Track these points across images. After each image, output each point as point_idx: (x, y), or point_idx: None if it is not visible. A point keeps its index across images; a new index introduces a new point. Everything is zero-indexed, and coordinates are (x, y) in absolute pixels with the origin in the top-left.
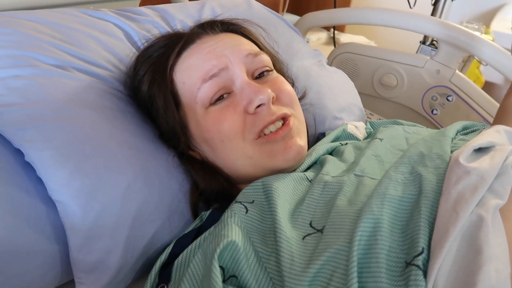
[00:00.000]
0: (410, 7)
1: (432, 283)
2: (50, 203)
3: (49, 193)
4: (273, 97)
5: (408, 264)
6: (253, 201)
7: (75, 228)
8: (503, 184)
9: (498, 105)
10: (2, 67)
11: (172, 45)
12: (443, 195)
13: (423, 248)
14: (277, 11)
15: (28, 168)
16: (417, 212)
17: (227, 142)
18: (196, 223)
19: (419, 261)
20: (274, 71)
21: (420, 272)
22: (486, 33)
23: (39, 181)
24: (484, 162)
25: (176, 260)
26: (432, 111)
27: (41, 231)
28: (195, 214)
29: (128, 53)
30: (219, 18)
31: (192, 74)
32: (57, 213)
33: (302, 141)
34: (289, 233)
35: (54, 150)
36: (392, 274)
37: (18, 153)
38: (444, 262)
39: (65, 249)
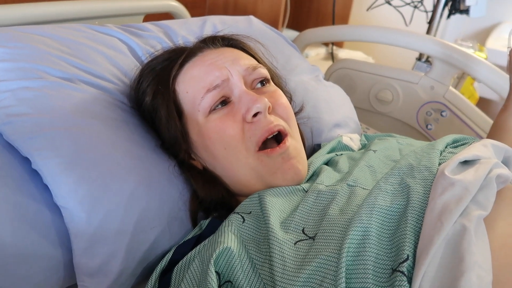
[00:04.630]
0: (406, 25)
1: None
2: (55, 209)
3: (54, 199)
4: (269, 107)
5: (394, 270)
6: (250, 212)
7: (79, 233)
8: (487, 196)
9: (490, 120)
10: (13, 79)
11: (175, 58)
12: (429, 205)
13: (408, 255)
14: (277, 27)
15: (35, 175)
16: (403, 221)
17: (229, 149)
18: (196, 231)
19: (404, 267)
20: (272, 83)
21: (405, 278)
22: (480, 50)
23: (45, 188)
24: (468, 174)
25: (176, 266)
26: (426, 126)
27: (46, 236)
28: (194, 222)
29: (132, 67)
30: (220, 33)
31: (195, 84)
32: (61, 219)
33: (301, 164)
34: (282, 237)
35: (61, 158)
36: (379, 280)
37: (25, 161)
38: (429, 269)
39: (68, 254)
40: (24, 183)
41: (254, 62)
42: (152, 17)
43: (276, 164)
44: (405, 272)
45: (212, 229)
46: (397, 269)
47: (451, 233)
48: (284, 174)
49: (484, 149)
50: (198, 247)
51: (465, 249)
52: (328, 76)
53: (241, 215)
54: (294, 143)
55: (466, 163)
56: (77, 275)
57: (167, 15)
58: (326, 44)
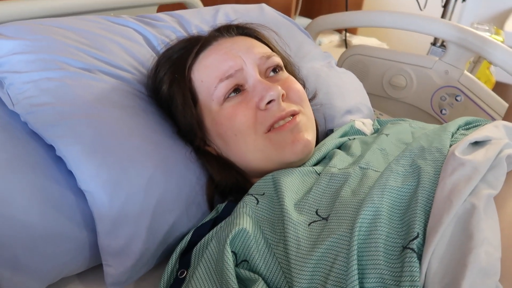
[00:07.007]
0: (421, 9)
1: (427, 265)
2: (79, 193)
3: (78, 184)
4: (283, 95)
5: (404, 248)
6: (263, 193)
7: (102, 215)
8: (497, 175)
9: (506, 104)
10: (35, 70)
11: (191, 47)
12: (439, 185)
13: (418, 233)
14: (289, 15)
15: (59, 162)
16: (414, 201)
17: (239, 135)
18: (213, 214)
19: (414, 245)
20: (285, 71)
21: (414, 255)
22: (497, 34)
23: (69, 174)
24: (478, 154)
25: (195, 247)
26: (441, 111)
27: (72, 219)
28: (211, 206)
29: (148, 57)
30: (235, 22)
31: (209, 73)
32: (85, 202)
33: (310, 136)
34: (296, 219)
35: (83, 145)
36: (390, 257)
37: (50, 149)
38: (438, 246)
39: (93, 235)
40: (50, 169)
41: (268, 50)
42: (165, 7)
43: (286, 139)
44: (415, 249)
45: (228, 213)
46: (407, 246)
47: (461, 211)
48: (293, 146)
49: (495, 130)
50: (215, 229)
51: (474, 226)
52: (341, 63)
53: (254, 197)
54: (305, 120)
55: (477, 144)
56: (102, 256)
57: (180, 5)
58: (339, 31)
